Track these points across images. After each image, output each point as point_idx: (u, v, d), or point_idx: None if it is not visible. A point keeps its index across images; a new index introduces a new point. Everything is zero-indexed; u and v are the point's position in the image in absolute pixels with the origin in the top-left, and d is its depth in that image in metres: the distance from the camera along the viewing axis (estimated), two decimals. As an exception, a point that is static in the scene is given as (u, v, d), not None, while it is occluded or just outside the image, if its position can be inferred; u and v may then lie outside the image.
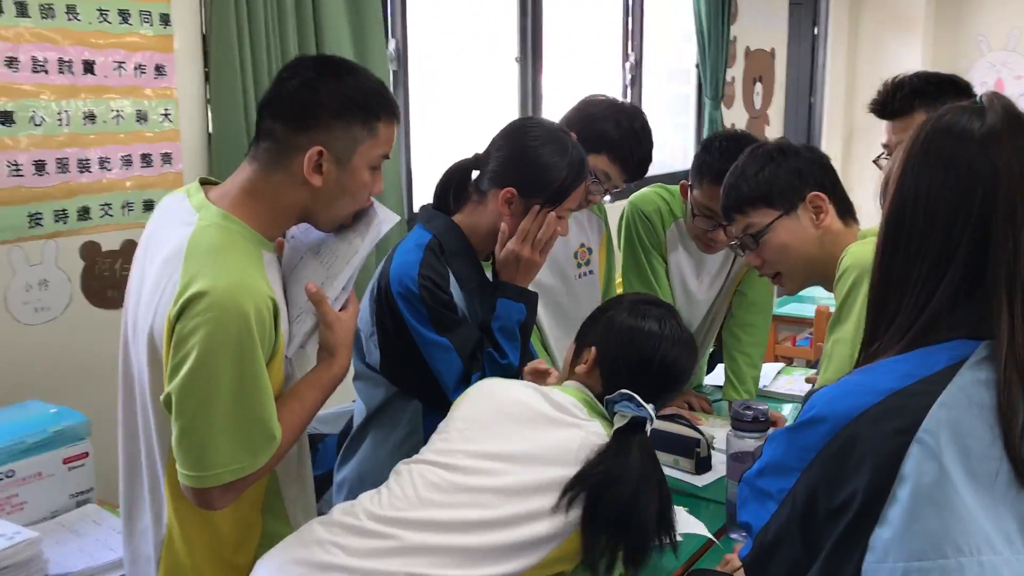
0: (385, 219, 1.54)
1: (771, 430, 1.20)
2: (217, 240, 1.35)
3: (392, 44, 3.16)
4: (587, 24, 4.38)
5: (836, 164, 1.97)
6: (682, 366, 1.59)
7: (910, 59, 6.21)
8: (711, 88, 4.86)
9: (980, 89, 4.67)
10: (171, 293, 1.29)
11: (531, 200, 1.73)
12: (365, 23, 2.87)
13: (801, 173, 1.78)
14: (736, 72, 5.25)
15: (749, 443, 1.90)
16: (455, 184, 1.83)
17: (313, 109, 1.39)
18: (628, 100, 4.56)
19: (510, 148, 1.77)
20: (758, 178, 1.80)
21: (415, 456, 1.50)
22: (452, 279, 1.74)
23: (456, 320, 1.72)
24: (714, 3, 4.72)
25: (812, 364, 2.87)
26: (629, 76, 4.56)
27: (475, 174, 1.82)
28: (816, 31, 6.15)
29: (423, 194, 3.18)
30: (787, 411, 2.52)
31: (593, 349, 1.59)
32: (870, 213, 1.51)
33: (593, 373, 1.59)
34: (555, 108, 3.87)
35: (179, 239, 1.34)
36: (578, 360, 1.62)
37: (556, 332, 2.27)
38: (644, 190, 2.45)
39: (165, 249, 1.36)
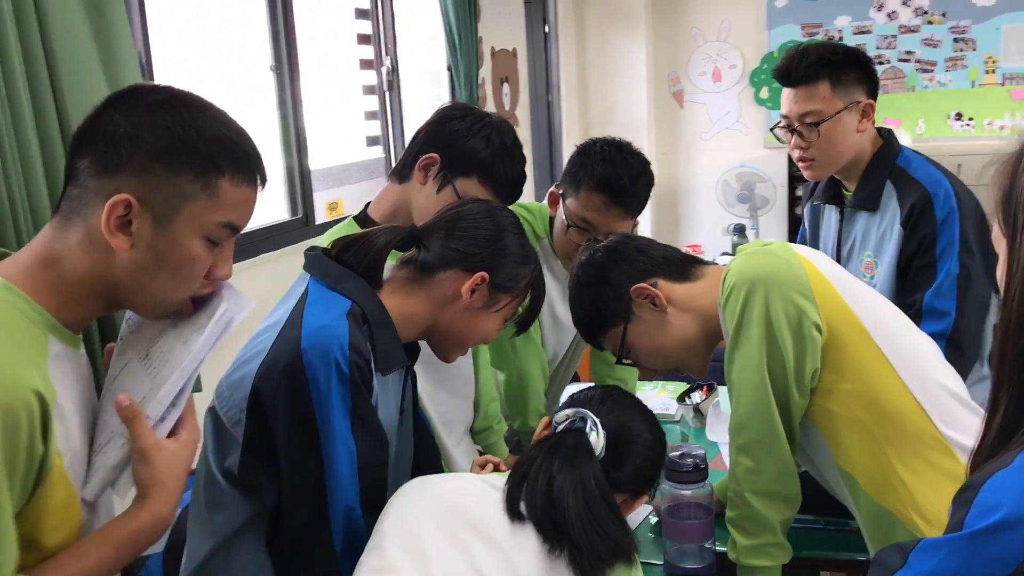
0: (235, 308, 1.14)
1: (926, 538, 0.93)
2: None
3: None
4: (337, 28, 3.97)
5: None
6: None
7: (635, 53, 6.38)
8: (465, 90, 4.62)
9: (699, 79, 4.96)
10: None
11: (501, 294, 1.46)
12: (110, 28, 2.27)
13: (612, 283, 1.61)
14: (485, 73, 5.06)
15: (687, 494, 1.70)
16: (377, 253, 1.42)
17: (127, 143, 1.02)
18: (388, 105, 4.21)
19: (485, 230, 1.46)
20: (586, 310, 1.66)
21: None
22: (373, 364, 1.34)
23: (376, 422, 1.32)
24: (461, 3, 4.48)
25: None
26: (387, 80, 4.20)
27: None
28: (547, 29, 6.12)
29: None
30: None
31: None
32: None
33: None
34: (315, 117, 3.50)
35: None
36: None
37: (427, 385, 1.90)
38: None
39: None
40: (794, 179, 6.43)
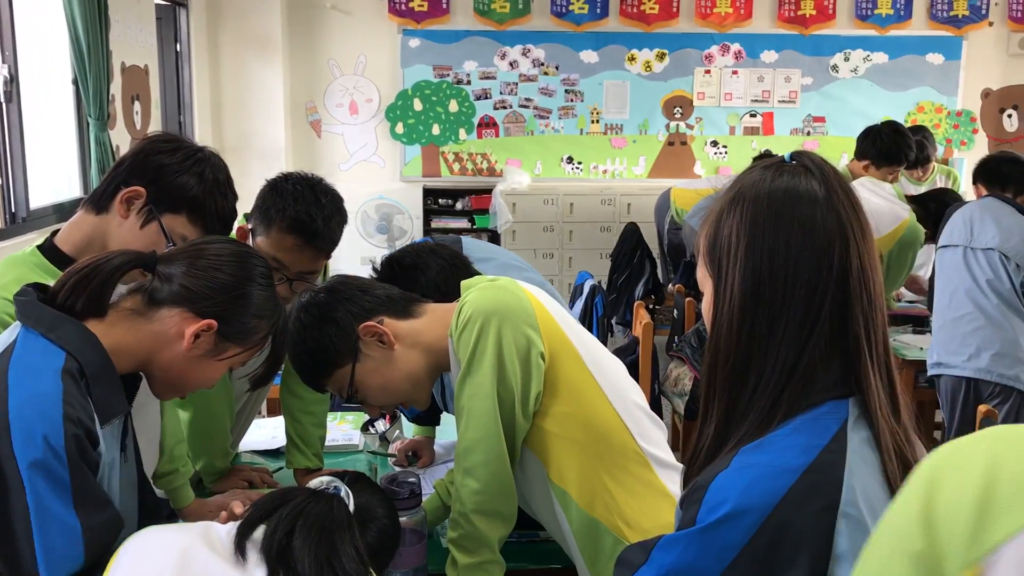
0: None
1: (666, 534, 1.06)
2: None
3: None
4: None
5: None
6: None
7: (272, 80, 6.29)
8: (95, 107, 4.24)
9: (337, 110, 5.15)
10: None
11: (230, 344, 1.38)
12: None
13: (339, 322, 1.63)
14: (116, 89, 4.68)
15: (403, 520, 1.72)
16: (105, 277, 1.27)
17: None
18: (5, 117, 3.73)
19: (226, 275, 1.36)
20: (311, 352, 1.65)
21: None
22: (96, 417, 1.21)
23: (99, 493, 1.22)
24: (89, 10, 4.11)
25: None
26: (3, 91, 3.73)
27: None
28: (179, 48, 5.82)
29: None
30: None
31: None
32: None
33: None
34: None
35: None
36: None
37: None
38: None
39: None
40: (429, 212, 6.73)
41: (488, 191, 6.62)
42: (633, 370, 3.93)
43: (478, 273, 1.94)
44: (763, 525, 0.96)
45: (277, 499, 1.30)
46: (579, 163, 6.89)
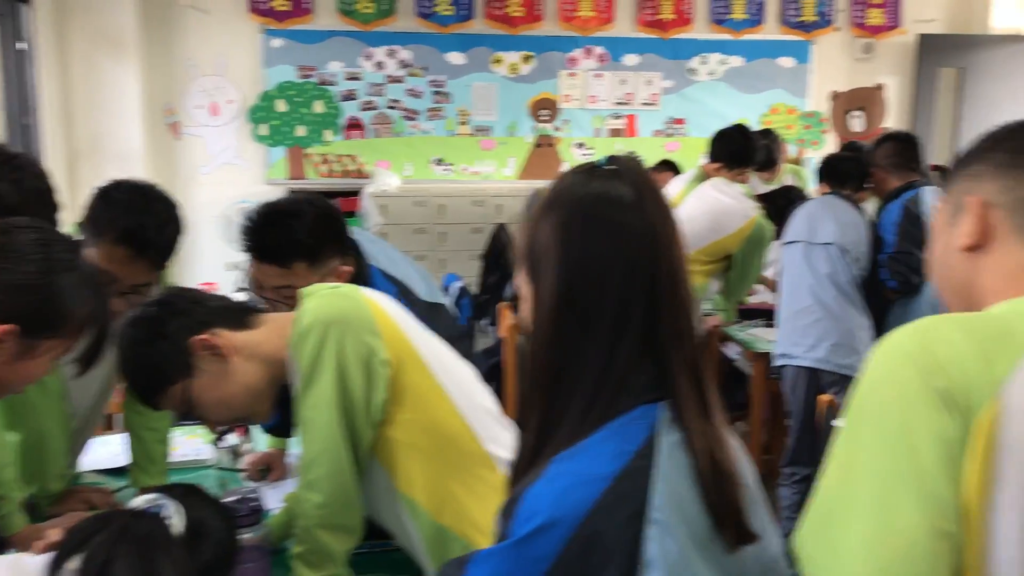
0: None
1: (480, 550, 1.05)
2: None
3: None
4: None
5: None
6: None
7: (126, 81, 6.04)
8: (-74, 109, 3.99)
9: (196, 112, 5.05)
10: None
11: (43, 341, 1.33)
12: None
13: (171, 337, 1.58)
14: (-51, 90, 4.41)
15: (245, 537, 1.70)
16: None
17: None
18: None
19: (22, 273, 1.30)
20: (144, 369, 1.60)
21: None
22: None
23: None
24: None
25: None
26: None
27: None
28: (23, 47, 5.52)
29: None
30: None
31: None
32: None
33: None
34: None
35: None
36: None
37: None
38: None
39: None
40: (296, 215, 6.59)
41: (356, 193, 6.53)
42: (498, 371, 3.96)
43: (350, 235, 1.96)
44: (574, 535, 0.96)
45: (96, 524, 1.24)
46: (449, 164, 6.89)
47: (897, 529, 0.83)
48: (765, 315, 4.12)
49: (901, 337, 0.91)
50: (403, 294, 2.18)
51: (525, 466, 1.07)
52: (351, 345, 1.53)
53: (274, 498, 2.10)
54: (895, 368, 0.89)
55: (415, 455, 1.60)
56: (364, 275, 2.13)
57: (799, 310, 3.42)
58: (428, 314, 2.07)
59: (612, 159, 1.11)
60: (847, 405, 0.94)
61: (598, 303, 1.03)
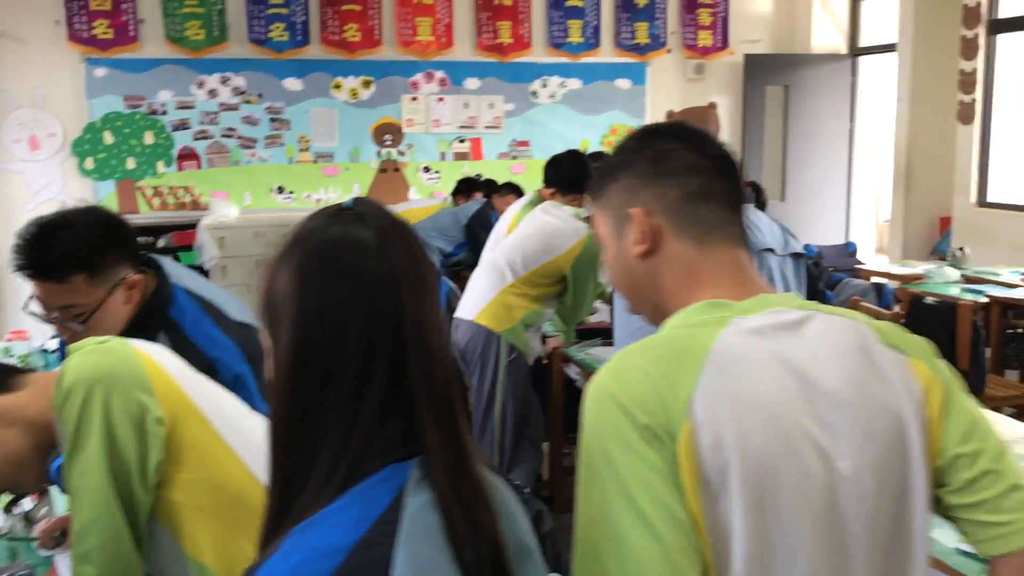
0: None
1: None
2: None
3: None
4: None
5: None
6: None
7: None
8: None
9: (15, 146, 4.78)
10: None
11: None
12: None
13: None
14: None
15: None
16: None
17: None
18: None
19: None
20: None
21: None
22: None
23: None
24: None
25: None
26: None
27: None
28: None
29: None
30: None
31: None
32: None
33: None
34: None
35: None
36: None
37: None
38: None
39: None
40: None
41: (193, 226, 6.30)
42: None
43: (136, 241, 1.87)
44: None
45: None
46: (291, 192, 6.73)
47: (642, 561, 0.95)
48: (604, 334, 4.17)
49: (604, 377, 1.01)
50: (209, 312, 2.08)
51: (269, 535, 1.00)
52: (119, 404, 1.43)
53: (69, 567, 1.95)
54: (604, 412, 0.99)
55: (200, 517, 1.50)
56: (165, 292, 2.02)
57: (633, 330, 3.46)
58: (240, 334, 2.00)
59: (357, 201, 1.05)
60: (579, 448, 0.99)
61: (339, 355, 0.96)
